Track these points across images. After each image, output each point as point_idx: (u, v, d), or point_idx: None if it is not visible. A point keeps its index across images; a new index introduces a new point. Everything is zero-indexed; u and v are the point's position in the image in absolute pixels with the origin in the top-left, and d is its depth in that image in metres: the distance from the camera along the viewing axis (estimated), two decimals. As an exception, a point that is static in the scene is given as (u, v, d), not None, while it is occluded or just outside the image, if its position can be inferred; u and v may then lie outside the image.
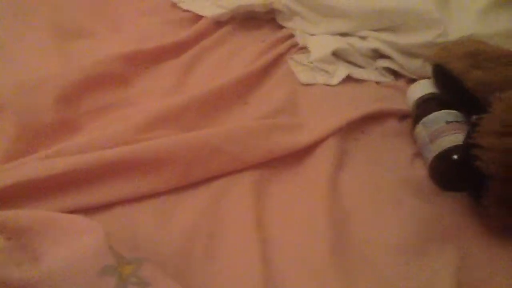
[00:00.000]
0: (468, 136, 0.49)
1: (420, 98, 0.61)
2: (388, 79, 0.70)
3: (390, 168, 0.56)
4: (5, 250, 0.37)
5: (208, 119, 0.60)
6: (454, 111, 0.56)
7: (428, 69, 0.64)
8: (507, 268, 0.47)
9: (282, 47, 0.73)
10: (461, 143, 0.51)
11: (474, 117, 0.53)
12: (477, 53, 0.57)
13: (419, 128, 0.57)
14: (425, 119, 0.57)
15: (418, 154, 0.58)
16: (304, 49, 0.74)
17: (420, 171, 0.56)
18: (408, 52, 0.69)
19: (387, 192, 0.53)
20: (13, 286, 0.35)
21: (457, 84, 0.56)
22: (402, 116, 0.64)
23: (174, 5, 0.82)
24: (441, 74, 0.59)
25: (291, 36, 0.76)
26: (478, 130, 0.47)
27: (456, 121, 0.55)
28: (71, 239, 0.38)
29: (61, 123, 0.56)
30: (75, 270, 0.35)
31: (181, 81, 0.66)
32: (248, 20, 0.80)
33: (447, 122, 0.55)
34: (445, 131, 0.54)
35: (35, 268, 0.36)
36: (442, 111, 0.56)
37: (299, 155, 0.57)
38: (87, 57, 0.65)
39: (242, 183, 0.53)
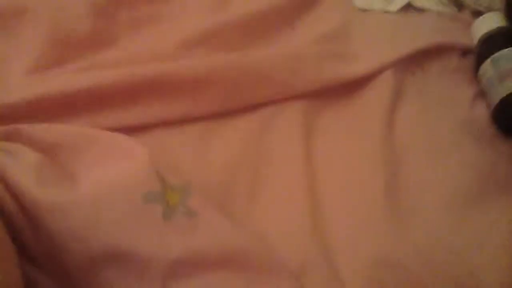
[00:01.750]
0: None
1: (487, 32, 0.55)
2: (452, 10, 0.64)
3: (448, 108, 0.53)
4: (36, 166, 0.34)
5: (252, 42, 0.56)
6: (528, 48, 0.51)
7: (497, 0, 0.58)
8: None
9: (336, -32, 0.67)
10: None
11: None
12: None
13: (487, 65, 0.52)
14: (494, 56, 0.52)
15: (480, 94, 0.54)
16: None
17: (481, 112, 0.52)
18: (477, -20, 0.63)
19: (443, 135, 0.50)
20: (46, 208, 0.31)
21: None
22: (464, 51, 0.58)
23: None
24: (514, 6, 0.54)
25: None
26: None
27: (531, 60, 0.50)
28: (113, 160, 0.35)
29: (95, 33, 0.52)
30: (118, 194, 0.32)
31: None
32: None
33: (521, 61, 0.50)
34: (517, 70, 0.49)
35: (71, 190, 0.33)
36: (515, 47, 0.51)
37: (351, 87, 0.53)
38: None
39: (289, 113, 0.50)
